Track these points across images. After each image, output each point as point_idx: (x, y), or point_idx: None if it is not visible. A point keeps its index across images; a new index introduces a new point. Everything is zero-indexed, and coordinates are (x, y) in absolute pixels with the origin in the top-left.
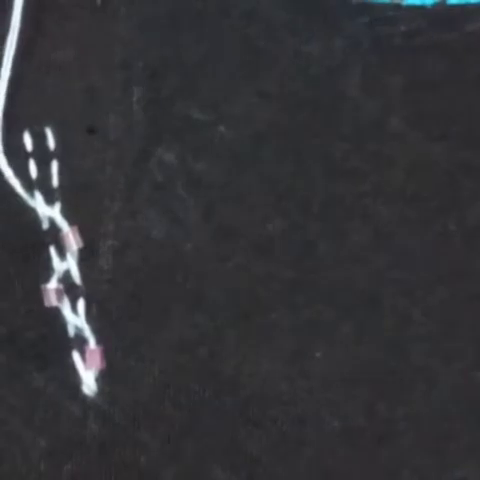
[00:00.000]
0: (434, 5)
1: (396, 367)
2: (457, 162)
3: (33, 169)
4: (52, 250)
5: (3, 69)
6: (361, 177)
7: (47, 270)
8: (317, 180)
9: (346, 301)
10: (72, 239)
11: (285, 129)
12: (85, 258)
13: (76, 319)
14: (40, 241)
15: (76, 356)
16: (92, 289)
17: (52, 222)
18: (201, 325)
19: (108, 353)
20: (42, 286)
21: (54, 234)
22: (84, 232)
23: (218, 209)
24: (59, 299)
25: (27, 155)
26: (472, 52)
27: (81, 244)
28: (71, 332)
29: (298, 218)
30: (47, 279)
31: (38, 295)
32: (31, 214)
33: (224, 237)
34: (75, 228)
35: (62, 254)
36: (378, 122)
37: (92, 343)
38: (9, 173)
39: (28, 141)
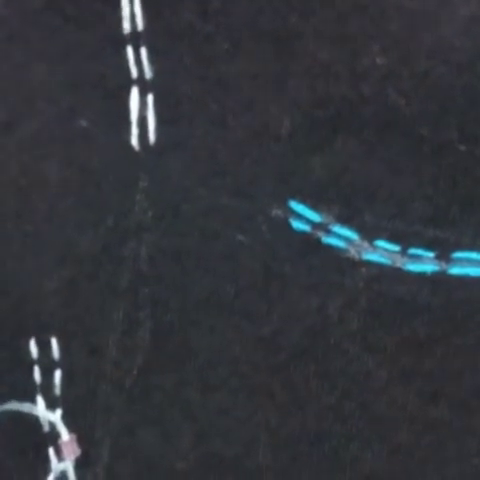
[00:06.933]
0: (434, 273)
1: None
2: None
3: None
4: (51, 451)
5: None
6: None
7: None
8: None
9: None
10: (70, 448)
11: None
12: (81, 464)
13: None
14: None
15: None
16: None
17: (53, 426)
18: None
19: None
20: None
21: (54, 438)
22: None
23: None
24: None
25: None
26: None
27: (78, 452)
28: None
29: None
30: (44, 478)
31: None
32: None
33: None
34: (73, 436)
35: (60, 457)
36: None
37: None
38: None
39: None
